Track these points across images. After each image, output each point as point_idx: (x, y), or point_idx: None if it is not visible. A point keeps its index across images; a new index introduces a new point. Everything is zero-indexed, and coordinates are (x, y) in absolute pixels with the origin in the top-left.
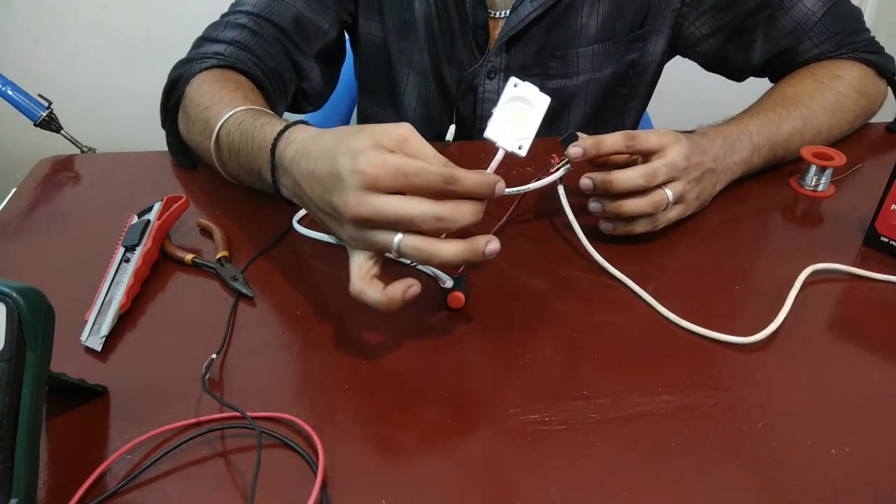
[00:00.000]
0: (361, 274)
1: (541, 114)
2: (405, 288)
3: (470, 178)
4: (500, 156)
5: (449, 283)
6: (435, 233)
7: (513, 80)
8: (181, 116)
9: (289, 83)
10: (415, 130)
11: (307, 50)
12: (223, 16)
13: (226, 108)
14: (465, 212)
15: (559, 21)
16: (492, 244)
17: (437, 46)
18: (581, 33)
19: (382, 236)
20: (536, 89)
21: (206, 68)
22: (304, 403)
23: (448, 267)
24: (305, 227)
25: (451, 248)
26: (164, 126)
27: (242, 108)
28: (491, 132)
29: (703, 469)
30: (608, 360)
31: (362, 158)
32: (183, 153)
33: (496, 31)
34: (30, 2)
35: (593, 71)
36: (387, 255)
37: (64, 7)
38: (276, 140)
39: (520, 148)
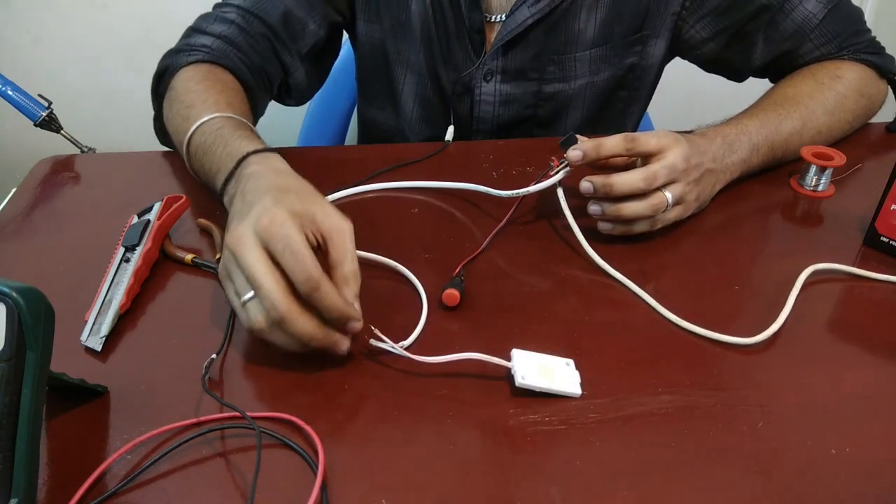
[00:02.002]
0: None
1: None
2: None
3: (330, 297)
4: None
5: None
6: (273, 319)
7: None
8: (166, 105)
9: (274, 78)
10: (352, 233)
11: (293, 48)
12: (215, 7)
13: (207, 110)
14: (304, 329)
15: (556, 25)
16: (344, 345)
17: (433, 48)
18: (579, 38)
19: (239, 283)
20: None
21: (193, 62)
22: (304, 403)
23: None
24: None
25: (281, 339)
26: (153, 104)
27: (224, 114)
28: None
29: (703, 469)
30: (608, 360)
31: (274, 210)
32: (165, 135)
33: (492, 34)
34: (30, 2)
35: (591, 75)
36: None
37: (64, 7)
38: (249, 155)
39: (522, 378)
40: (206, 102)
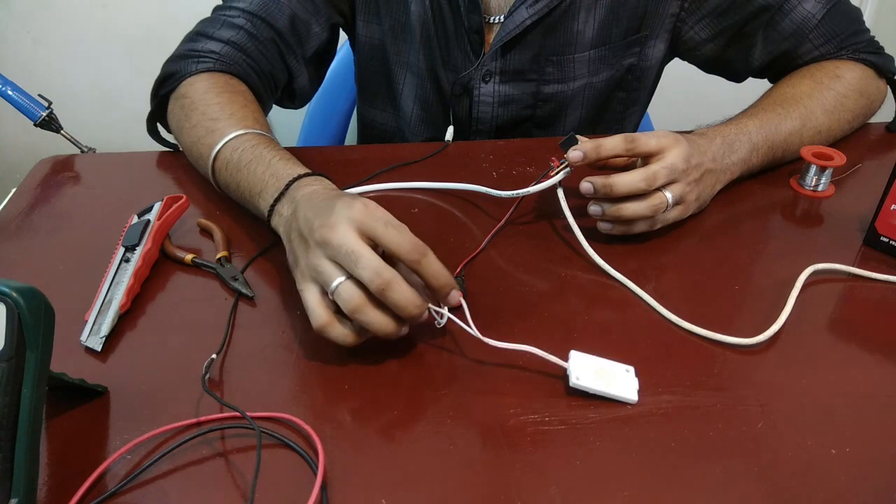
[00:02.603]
0: (322, 308)
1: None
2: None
3: (437, 262)
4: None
5: (442, 321)
6: (374, 293)
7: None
8: (177, 112)
9: (279, 83)
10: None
11: (299, 52)
12: (216, 10)
13: (235, 125)
14: (408, 295)
15: (555, 27)
16: (442, 317)
17: (432, 49)
18: (577, 39)
19: (330, 269)
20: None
21: (205, 70)
22: (304, 403)
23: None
24: None
25: (377, 319)
26: (151, 103)
27: (254, 131)
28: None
29: (703, 469)
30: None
31: (360, 202)
32: (156, 133)
33: (491, 35)
34: (30, 2)
35: (590, 76)
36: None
37: (64, 7)
38: (302, 177)
39: (577, 378)
40: (233, 117)
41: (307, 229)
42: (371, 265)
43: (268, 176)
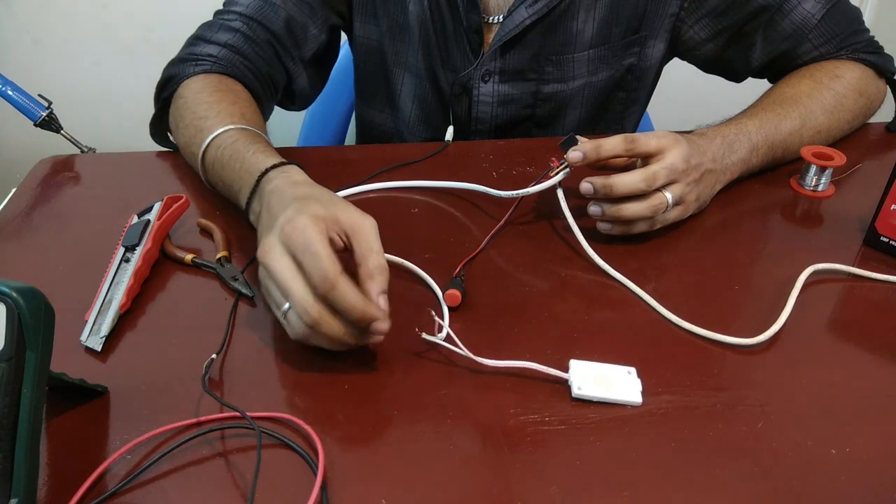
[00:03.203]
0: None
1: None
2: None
3: (348, 296)
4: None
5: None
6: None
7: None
8: (175, 114)
9: (279, 84)
10: (376, 229)
11: (296, 53)
12: (217, 14)
13: (221, 122)
14: (338, 331)
15: (555, 26)
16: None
17: (431, 49)
18: (577, 38)
19: (276, 295)
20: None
21: (201, 72)
22: (304, 403)
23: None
24: None
25: (324, 343)
26: (154, 107)
27: (237, 126)
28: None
29: (703, 469)
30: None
31: (297, 218)
32: (160, 136)
33: (490, 35)
34: (30, 2)
35: (589, 75)
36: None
37: (64, 7)
38: (269, 170)
39: (579, 388)
40: (219, 114)
41: (259, 241)
42: (299, 302)
43: (243, 172)
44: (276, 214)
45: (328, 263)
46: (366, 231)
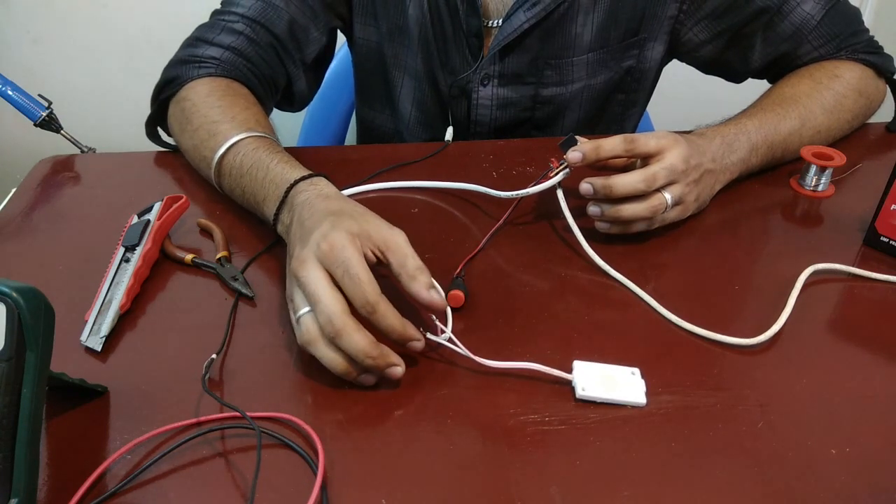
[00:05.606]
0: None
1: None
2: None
3: (388, 318)
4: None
5: (442, 338)
6: (326, 338)
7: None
8: (178, 115)
9: (279, 87)
10: (406, 239)
11: (298, 56)
12: (215, 15)
13: (237, 128)
14: (359, 346)
15: (553, 30)
16: (397, 371)
17: (430, 52)
18: (576, 42)
19: (298, 299)
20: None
21: (206, 74)
22: (304, 403)
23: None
24: None
25: (328, 356)
26: (152, 107)
27: (255, 133)
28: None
29: (703, 469)
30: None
31: (333, 235)
32: (156, 136)
33: (489, 38)
34: (30, 2)
35: (588, 78)
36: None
37: (64, 7)
38: (298, 182)
39: (583, 389)
40: (234, 120)
41: (291, 252)
42: (326, 311)
43: (267, 182)
44: (309, 228)
45: (369, 287)
46: (398, 241)
